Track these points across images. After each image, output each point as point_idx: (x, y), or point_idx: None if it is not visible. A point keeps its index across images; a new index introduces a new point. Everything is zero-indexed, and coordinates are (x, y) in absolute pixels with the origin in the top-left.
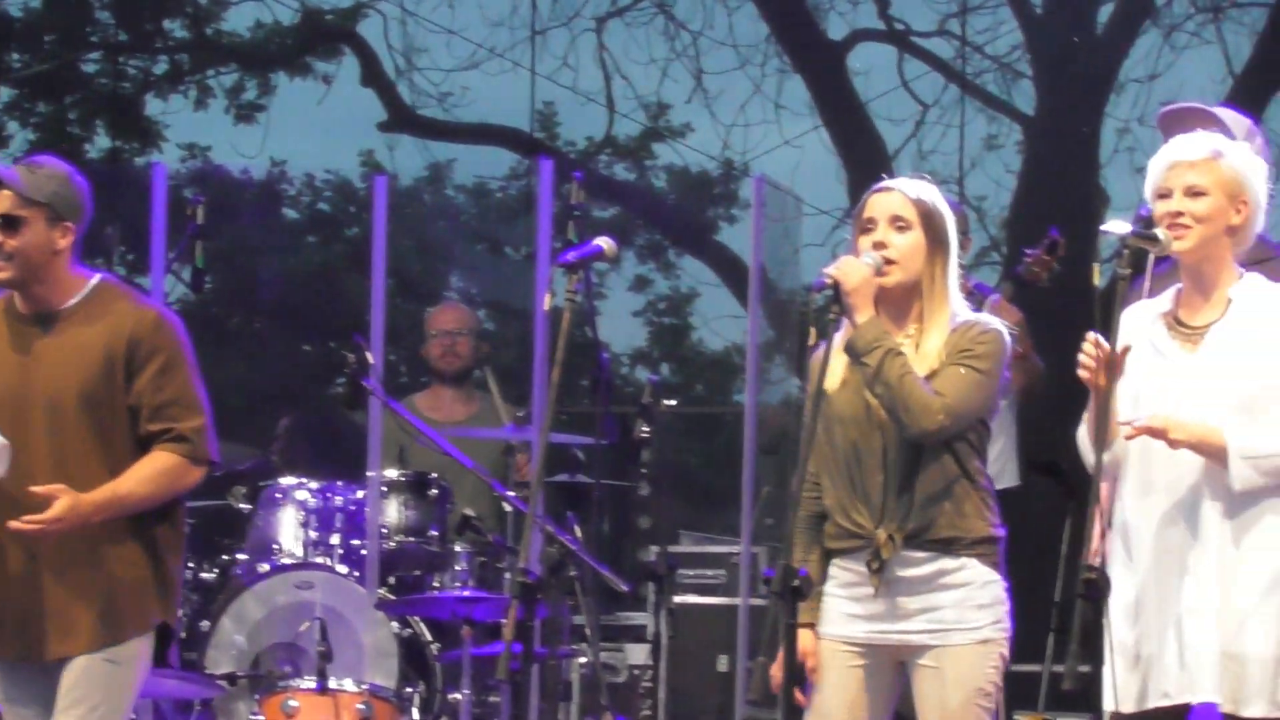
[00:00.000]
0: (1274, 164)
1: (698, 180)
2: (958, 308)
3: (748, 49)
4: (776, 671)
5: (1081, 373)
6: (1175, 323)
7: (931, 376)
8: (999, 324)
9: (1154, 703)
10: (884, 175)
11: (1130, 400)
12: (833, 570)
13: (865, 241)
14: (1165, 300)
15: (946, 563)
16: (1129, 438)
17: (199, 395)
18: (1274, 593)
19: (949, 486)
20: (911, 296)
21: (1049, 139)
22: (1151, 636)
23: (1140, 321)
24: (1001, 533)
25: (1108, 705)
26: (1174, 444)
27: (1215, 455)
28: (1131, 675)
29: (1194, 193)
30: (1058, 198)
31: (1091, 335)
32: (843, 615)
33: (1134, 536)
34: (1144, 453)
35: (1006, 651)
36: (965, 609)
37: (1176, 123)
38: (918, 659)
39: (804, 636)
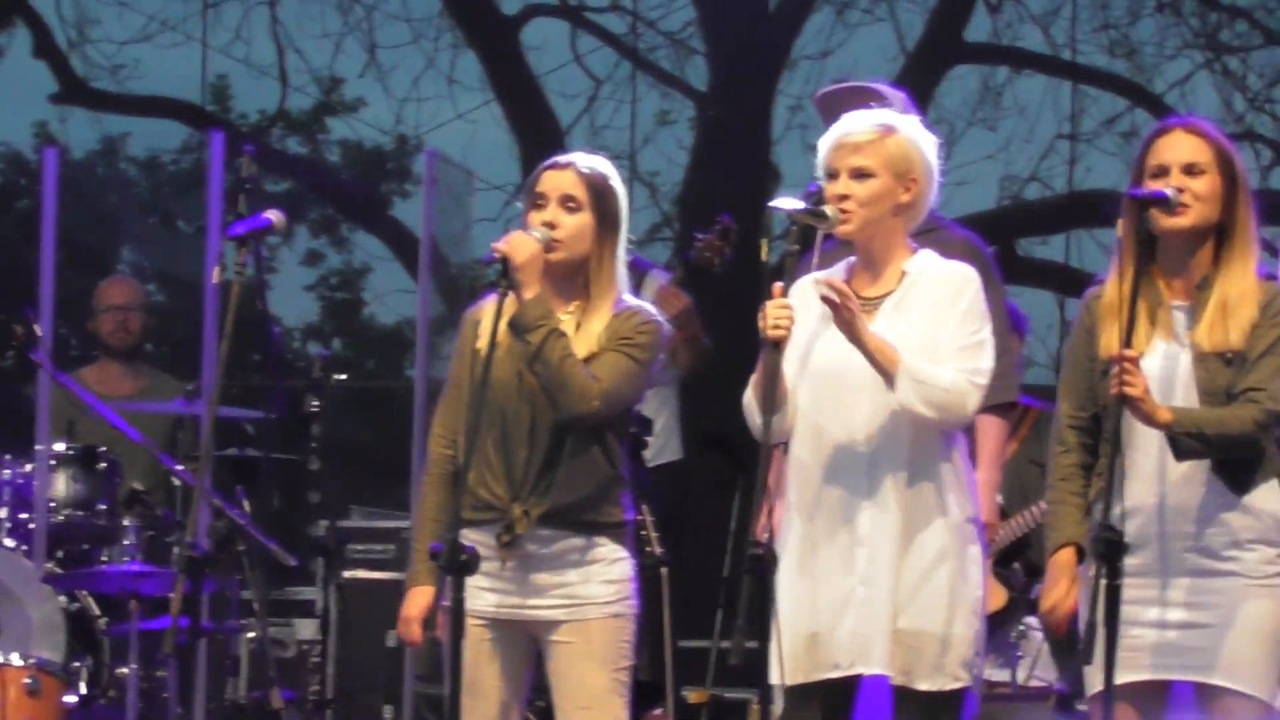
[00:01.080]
0: (943, 141)
1: (371, 155)
2: (623, 290)
3: (421, 23)
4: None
5: (775, 332)
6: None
7: (590, 359)
8: (659, 314)
9: (825, 674)
10: (558, 150)
11: (798, 364)
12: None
13: (535, 217)
14: (838, 271)
15: (579, 540)
16: (824, 298)
17: None
18: (942, 565)
19: (590, 469)
20: (577, 274)
21: (721, 115)
22: (826, 606)
23: (810, 292)
24: (632, 516)
25: (774, 679)
26: (853, 330)
27: (886, 367)
28: (803, 645)
29: (859, 174)
30: (730, 174)
31: (779, 296)
32: (473, 589)
33: (807, 505)
34: (816, 423)
35: (635, 626)
36: (597, 585)
37: (834, 103)
38: (550, 635)
39: (424, 596)
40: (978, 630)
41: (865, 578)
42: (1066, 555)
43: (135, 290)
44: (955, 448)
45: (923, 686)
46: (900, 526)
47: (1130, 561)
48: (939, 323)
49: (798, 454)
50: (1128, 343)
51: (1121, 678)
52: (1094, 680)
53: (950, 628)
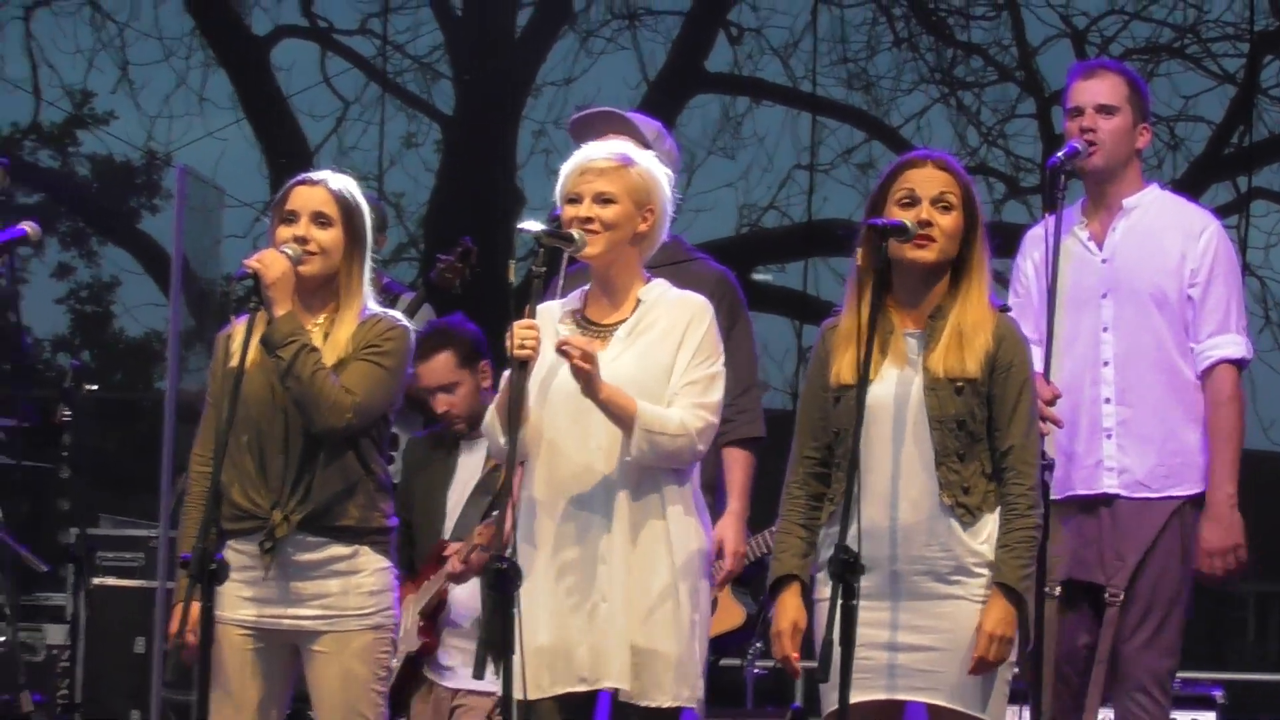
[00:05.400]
0: (683, 169)
1: (121, 169)
2: (369, 300)
3: (173, 41)
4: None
5: (521, 352)
6: (584, 320)
7: (339, 365)
8: (405, 319)
9: (568, 687)
10: (306, 169)
11: (538, 388)
12: (227, 553)
13: (286, 233)
14: (574, 299)
15: (340, 549)
16: (560, 348)
17: None
18: (673, 586)
19: (347, 476)
20: (327, 287)
21: (467, 139)
22: (568, 621)
23: (549, 318)
24: (393, 523)
25: (516, 694)
26: (590, 387)
27: (622, 418)
28: (544, 659)
29: (603, 199)
30: (475, 196)
31: (526, 320)
32: (235, 598)
33: (545, 522)
34: (555, 443)
35: (397, 636)
36: (357, 595)
37: (588, 128)
38: (311, 644)
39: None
40: (701, 654)
41: (605, 594)
42: (786, 590)
43: None
44: (689, 472)
45: (644, 703)
46: (633, 546)
47: (864, 583)
48: (670, 350)
49: (535, 468)
50: (866, 370)
51: (855, 697)
52: (829, 699)
53: (678, 648)
